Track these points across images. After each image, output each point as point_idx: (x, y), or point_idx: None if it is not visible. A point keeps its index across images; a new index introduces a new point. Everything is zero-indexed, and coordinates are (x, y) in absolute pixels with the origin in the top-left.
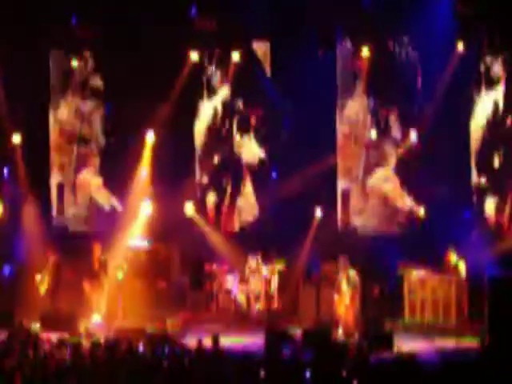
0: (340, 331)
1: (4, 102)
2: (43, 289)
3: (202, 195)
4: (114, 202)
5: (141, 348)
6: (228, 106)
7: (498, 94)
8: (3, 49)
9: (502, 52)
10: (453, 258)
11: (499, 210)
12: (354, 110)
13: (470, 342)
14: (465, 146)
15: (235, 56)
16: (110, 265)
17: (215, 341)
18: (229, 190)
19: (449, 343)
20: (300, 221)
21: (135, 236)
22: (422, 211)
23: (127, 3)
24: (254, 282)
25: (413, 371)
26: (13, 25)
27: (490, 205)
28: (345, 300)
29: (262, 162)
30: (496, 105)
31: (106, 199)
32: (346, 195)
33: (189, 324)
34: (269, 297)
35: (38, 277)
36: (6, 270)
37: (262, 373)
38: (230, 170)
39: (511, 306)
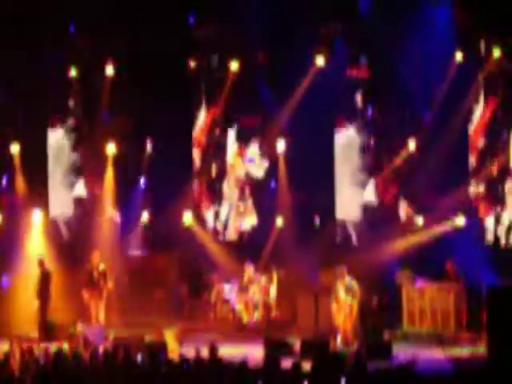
0: (339, 340)
1: (3, 110)
2: (34, 298)
3: (200, 204)
4: (114, 211)
5: (139, 357)
6: (227, 116)
7: (495, 102)
8: (3, 57)
9: (501, 61)
10: (454, 267)
11: (497, 218)
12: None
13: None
14: (463, 154)
15: (234, 65)
16: (109, 273)
17: (213, 350)
18: (227, 199)
19: (447, 352)
20: (299, 230)
21: (134, 245)
22: (420, 220)
23: (126, 11)
24: (252, 291)
25: (411, 380)
26: (13, 33)
27: (487, 213)
28: (343, 309)
29: (260, 171)
30: (494, 113)
31: (105, 208)
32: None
33: (187, 333)
34: (267, 306)
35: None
36: (5, 279)
37: (260, 383)
38: (229, 180)
39: (510, 317)
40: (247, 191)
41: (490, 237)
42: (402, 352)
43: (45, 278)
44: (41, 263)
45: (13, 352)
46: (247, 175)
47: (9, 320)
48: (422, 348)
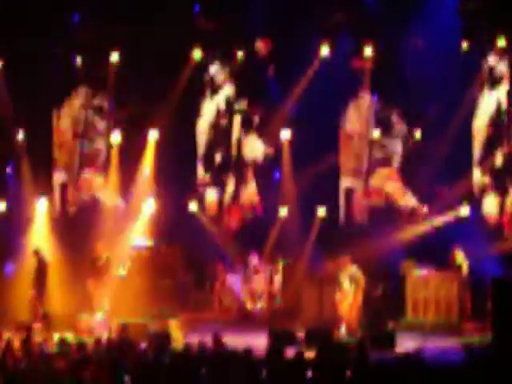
0: (343, 330)
1: (8, 99)
2: (30, 288)
3: (204, 193)
4: (118, 200)
5: (143, 346)
6: (231, 105)
7: (501, 92)
8: (6, 46)
9: (506, 51)
10: (458, 257)
11: (501, 208)
12: (357, 108)
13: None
14: (467, 144)
15: (238, 55)
16: (114, 263)
17: (216, 339)
18: (231, 188)
19: (452, 342)
20: (303, 219)
21: (138, 234)
22: (424, 210)
23: (130, 1)
24: (256, 280)
25: (416, 370)
26: (15, 23)
27: (491, 204)
28: (347, 299)
29: (265, 159)
30: (499, 103)
31: (110, 198)
32: (349, 194)
33: (191, 322)
34: (271, 296)
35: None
36: (8, 268)
37: (264, 372)
38: (233, 169)
39: None
40: (251, 180)
41: (493, 226)
42: (406, 341)
43: (40, 268)
44: (36, 253)
45: (12, 340)
46: (247, 163)
47: (12, 308)
48: (426, 337)
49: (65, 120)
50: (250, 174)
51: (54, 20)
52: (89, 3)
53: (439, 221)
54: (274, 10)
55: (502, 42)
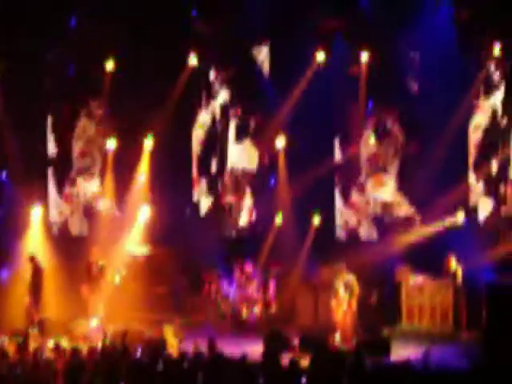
0: (337, 337)
1: (2, 105)
2: (25, 294)
3: (199, 200)
4: (114, 207)
5: (138, 352)
6: (226, 111)
7: (496, 99)
8: (6, 47)
9: (502, 58)
10: (453, 263)
11: (496, 214)
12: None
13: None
14: (462, 150)
15: (235, 60)
16: (109, 269)
17: (211, 346)
18: (226, 194)
19: (448, 349)
20: (298, 226)
21: (133, 240)
22: (419, 216)
23: (127, 6)
24: (251, 286)
25: (409, 377)
26: (15, 23)
27: (486, 209)
28: (342, 306)
29: (260, 167)
30: (494, 110)
31: (105, 204)
32: (345, 201)
33: (186, 328)
34: (266, 302)
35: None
36: (4, 274)
37: (260, 379)
38: (228, 175)
39: (508, 313)
40: (246, 186)
41: (488, 232)
42: (401, 348)
43: (36, 274)
44: (31, 259)
45: (6, 346)
46: (243, 170)
47: (7, 314)
48: (420, 344)
49: (61, 126)
50: (245, 181)
51: (54, 21)
52: (88, 4)
53: (434, 227)
54: (272, 15)
55: (497, 50)
